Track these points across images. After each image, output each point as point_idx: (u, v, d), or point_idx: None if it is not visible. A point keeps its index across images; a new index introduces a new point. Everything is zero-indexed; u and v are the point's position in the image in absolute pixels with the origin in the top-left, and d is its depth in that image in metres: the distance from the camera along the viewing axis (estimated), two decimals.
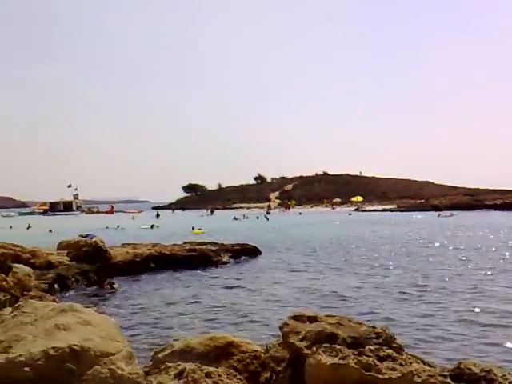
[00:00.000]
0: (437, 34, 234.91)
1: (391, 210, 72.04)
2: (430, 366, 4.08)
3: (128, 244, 19.67)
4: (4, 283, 6.64)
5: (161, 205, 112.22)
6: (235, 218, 55.23)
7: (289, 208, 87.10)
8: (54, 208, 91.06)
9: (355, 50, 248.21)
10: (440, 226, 37.78)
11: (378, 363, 3.85)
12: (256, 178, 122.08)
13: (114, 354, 3.75)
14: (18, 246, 13.98)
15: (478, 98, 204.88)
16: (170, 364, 4.20)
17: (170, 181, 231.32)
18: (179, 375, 3.96)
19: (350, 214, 64.72)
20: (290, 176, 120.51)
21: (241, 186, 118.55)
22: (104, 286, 14.01)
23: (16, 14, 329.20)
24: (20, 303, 4.48)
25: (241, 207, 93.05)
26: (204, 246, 19.42)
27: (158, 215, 66.37)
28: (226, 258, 18.96)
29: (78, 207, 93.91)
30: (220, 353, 4.64)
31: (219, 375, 4.04)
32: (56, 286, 13.01)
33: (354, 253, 21.19)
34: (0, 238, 15.22)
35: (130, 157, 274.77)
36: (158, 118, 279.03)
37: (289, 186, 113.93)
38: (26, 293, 8.62)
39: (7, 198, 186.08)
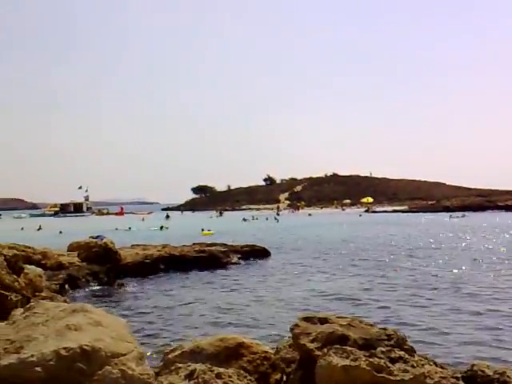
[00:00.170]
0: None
1: (402, 211, 71.51)
2: (442, 368, 4.03)
3: (138, 245, 19.77)
4: (16, 284, 6.69)
5: (170, 206, 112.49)
6: (244, 220, 55.18)
7: (298, 209, 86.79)
8: (64, 209, 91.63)
9: (370, 50, 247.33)
10: (451, 227, 37.47)
11: (389, 365, 3.82)
12: (265, 180, 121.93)
13: (124, 355, 3.76)
14: (29, 248, 14.14)
15: (490, 99, 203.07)
16: (180, 365, 4.20)
17: (179, 182, 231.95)
18: (190, 376, 3.96)
19: (360, 216, 64.22)
20: (299, 177, 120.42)
21: (250, 187, 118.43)
22: (114, 287, 14.10)
23: (27, 14, 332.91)
24: (31, 304, 4.52)
25: (250, 208, 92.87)
26: (213, 248, 19.45)
27: (167, 216, 66.56)
28: (235, 259, 18.98)
29: (88, 209, 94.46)
30: (230, 354, 4.63)
31: (229, 376, 4.03)
32: (67, 286, 13.14)
33: (364, 254, 21.05)
34: (11, 239, 15.35)
35: (139, 158, 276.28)
36: (169, 119, 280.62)
37: (298, 187, 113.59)
38: (37, 293, 8.67)
39: (18, 200, 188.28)
